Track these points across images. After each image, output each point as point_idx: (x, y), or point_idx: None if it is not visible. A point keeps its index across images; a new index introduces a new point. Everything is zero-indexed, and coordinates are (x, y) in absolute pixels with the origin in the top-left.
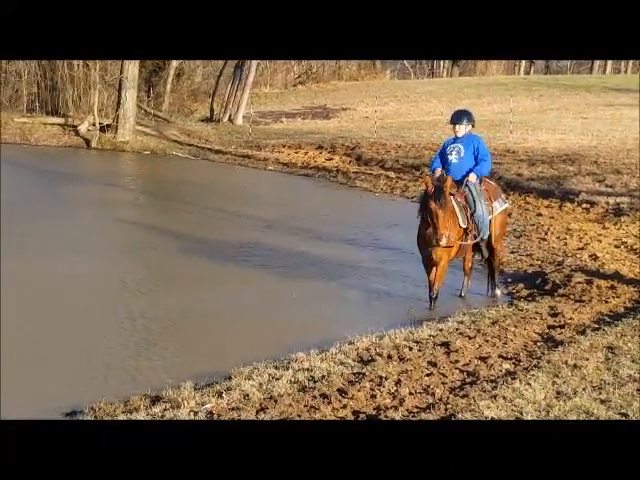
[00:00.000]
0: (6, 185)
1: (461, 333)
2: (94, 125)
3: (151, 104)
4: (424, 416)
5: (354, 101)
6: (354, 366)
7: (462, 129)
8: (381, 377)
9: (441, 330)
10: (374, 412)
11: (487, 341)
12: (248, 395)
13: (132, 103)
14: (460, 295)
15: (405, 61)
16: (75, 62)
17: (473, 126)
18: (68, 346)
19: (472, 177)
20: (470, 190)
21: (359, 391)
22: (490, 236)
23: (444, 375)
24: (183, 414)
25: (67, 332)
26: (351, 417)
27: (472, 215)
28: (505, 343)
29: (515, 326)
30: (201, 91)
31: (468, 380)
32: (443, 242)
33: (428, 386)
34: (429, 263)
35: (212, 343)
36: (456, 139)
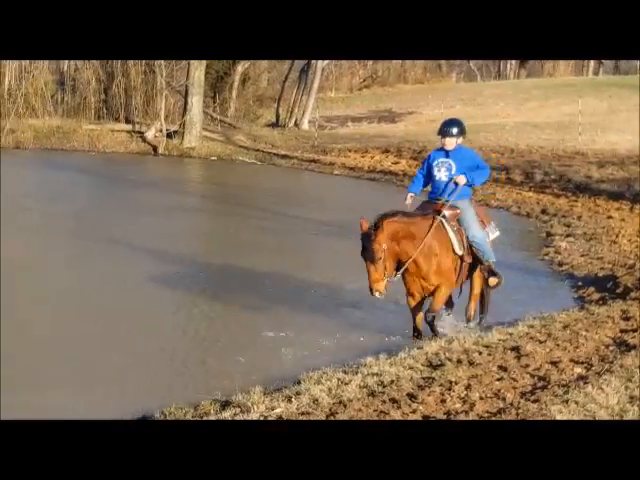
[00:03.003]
0: (76, 192)
1: (532, 337)
2: (161, 131)
3: (217, 110)
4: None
5: (420, 104)
6: (423, 370)
7: (452, 141)
8: (451, 382)
9: (511, 334)
10: (444, 417)
11: (558, 345)
12: (317, 400)
13: (198, 109)
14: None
15: (471, 63)
16: (142, 69)
17: (464, 137)
18: (142, 348)
19: (460, 178)
20: (462, 210)
21: (429, 396)
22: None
23: (515, 380)
24: (253, 419)
25: (138, 334)
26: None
27: (468, 238)
28: (577, 347)
29: (587, 330)
30: (267, 96)
31: (539, 385)
32: (376, 295)
33: (499, 390)
34: (412, 301)
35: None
36: (446, 153)
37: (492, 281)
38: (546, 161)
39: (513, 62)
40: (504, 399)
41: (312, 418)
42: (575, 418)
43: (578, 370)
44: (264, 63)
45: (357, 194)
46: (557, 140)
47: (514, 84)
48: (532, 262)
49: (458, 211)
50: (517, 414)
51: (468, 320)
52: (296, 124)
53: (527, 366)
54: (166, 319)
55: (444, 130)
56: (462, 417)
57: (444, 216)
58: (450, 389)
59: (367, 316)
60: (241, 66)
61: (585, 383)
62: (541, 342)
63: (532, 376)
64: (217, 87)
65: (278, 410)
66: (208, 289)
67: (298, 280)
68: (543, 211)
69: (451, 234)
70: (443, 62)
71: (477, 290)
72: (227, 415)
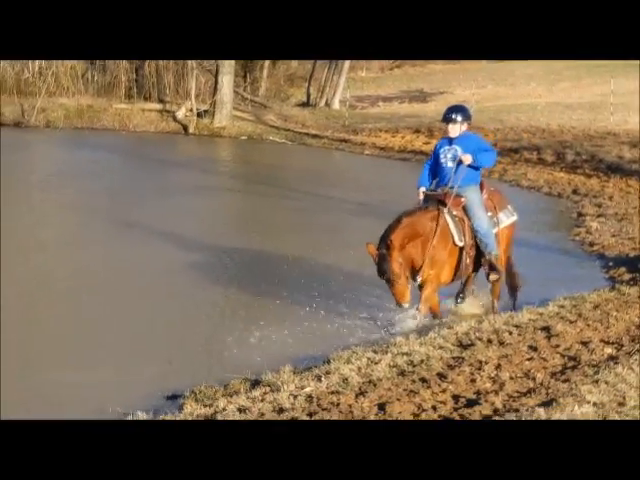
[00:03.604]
0: (106, 171)
1: (562, 317)
2: (191, 111)
3: (248, 89)
4: (525, 401)
5: (451, 84)
6: (453, 350)
7: (457, 128)
8: (481, 361)
9: (541, 314)
10: (474, 396)
11: (588, 325)
12: (347, 379)
13: (229, 88)
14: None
15: None
16: None
17: (469, 123)
18: (171, 328)
19: (466, 157)
20: (468, 197)
21: (459, 375)
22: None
23: (545, 359)
24: (283, 397)
25: (168, 313)
26: (451, 401)
27: (473, 229)
28: (607, 327)
29: (617, 310)
30: (297, 76)
31: (569, 365)
32: (405, 307)
33: (529, 370)
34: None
35: (310, 326)
36: (451, 140)
37: (492, 277)
38: (578, 141)
39: None
40: (534, 379)
41: (341, 397)
42: (605, 398)
43: (608, 350)
44: None
45: (388, 174)
46: (589, 120)
47: (546, 64)
48: (563, 242)
49: (463, 199)
50: (547, 394)
51: (493, 308)
52: (327, 104)
53: (557, 346)
54: (196, 298)
55: (447, 116)
56: (492, 397)
57: (448, 209)
58: (480, 369)
59: None
60: None
61: (615, 363)
62: (571, 322)
63: (562, 356)
64: (248, 66)
65: (308, 389)
66: (238, 268)
67: (329, 259)
68: (574, 191)
69: (451, 225)
70: None
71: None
72: (257, 394)
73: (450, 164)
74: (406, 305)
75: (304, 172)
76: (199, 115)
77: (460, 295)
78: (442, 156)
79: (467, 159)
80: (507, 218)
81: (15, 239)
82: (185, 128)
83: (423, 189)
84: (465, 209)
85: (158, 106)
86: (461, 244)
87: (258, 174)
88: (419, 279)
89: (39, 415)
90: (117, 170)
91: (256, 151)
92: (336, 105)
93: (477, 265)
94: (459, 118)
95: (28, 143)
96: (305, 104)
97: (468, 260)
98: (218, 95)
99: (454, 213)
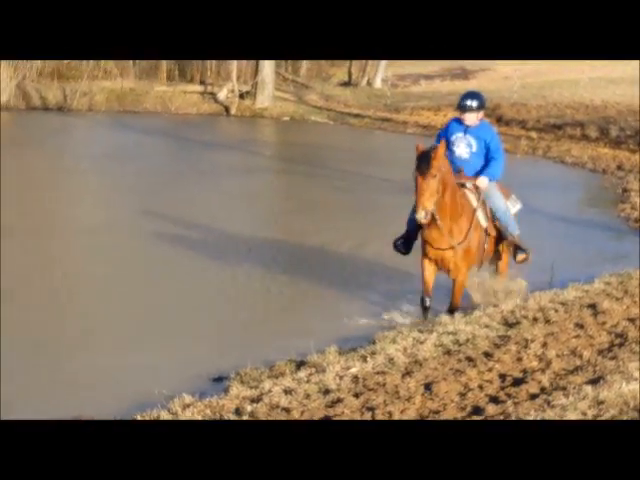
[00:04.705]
0: (151, 153)
1: (608, 294)
2: (233, 92)
3: (289, 69)
4: (572, 379)
5: (493, 61)
6: (499, 329)
7: (473, 117)
8: (527, 340)
9: (587, 291)
10: (521, 375)
11: (635, 302)
12: (393, 359)
13: (270, 69)
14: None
15: None
16: None
17: (484, 110)
18: (217, 309)
19: (482, 182)
20: (482, 182)
21: (505, 354)
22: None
23: (591, 337)
24: (328, 378)
25: (214, 295)
26: (497, 380)
27: (491, 211)
28: None
29: None
30: None
31: (616, 342)
32: (421, 216)
33: (575, 348)
34: (428, 266)
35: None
36: (465, 127)
37: (520, 258)
38: (622, 117)
39: None
40: (581, 356)
41: (387, 377)
42: None
43: None
44: None
45: None
46: (632, 95)
47: None
48: (608, 218)
49: (479, 184)
50: (594, 371)
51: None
52: (369, 83)
53: (604, 323)
54: (241, 280)
55: (463, 104)
56: (538, 375)
57: (469, 189)
58: (526, 347)
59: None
60: None
61: None
62: (618, 299)
63: (609, 333)
64: None
65: (354, 369)
66: (284, 249)
67: (374, 238)
68: (619, 167)
69: (475, 204)
70: None
71: (504, 266)
72: (302, 375)
73: (465, 155)
74: (423, 215)
75: (347, 152)
76: (241, 96)
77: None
78: (455, 144)
79: (483, 184)
80: (514, 207)
81: (61, 221)
82: (227, 109)
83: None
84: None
85: (199, 88)
86: (485, 225)
87: (301, 154)
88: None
89: (85, 397)
90: (160, 152)
91: (299, 131)
92: (378, 84)
93: (495, 252)
94: (475, 105)
95: (71, 126)
96: (347, 84)
97: (487, 245)
98: (259, 76)
99: (475, 194)
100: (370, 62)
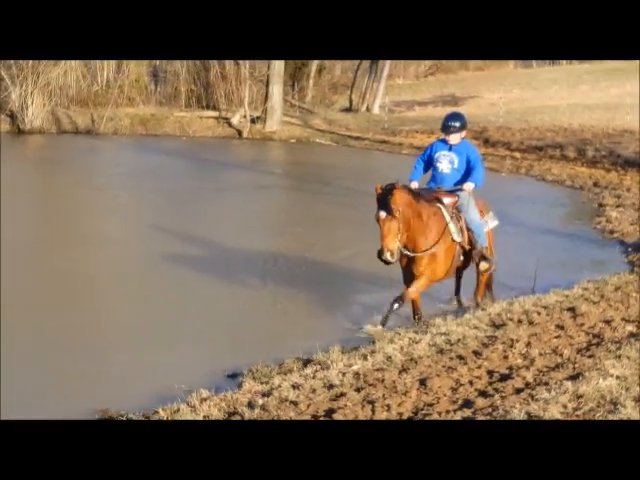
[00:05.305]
0: (171, 172)
1: (586, 299)
2: (245, 117)
3: (296, 97)
4: (553, 375)
5: (481, 89)
6: (487, 330)
7: (457, 136)
8: (512, 339)
9: (567, 296)
10: (507, 371)
11: (610, 306)
12: (391, 357)
13: (279, 96)
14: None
15: None
16: (227, 61)
17: (466, 130)
18: (229, 312)
19: (468, 186)
20: (461, 196)
21: (492, 352)
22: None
23: (571, 337)
24: (332, 375)
25: (226, 298)
26: (486, 376)
27: (466, 223)
28: (628, 307)
29: (637, 292)
30: (340, 84)
31: (594, 341)
32: (387, 257)
33: (557, 347)
34: (406, 278)
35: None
36: (449, 146)
37: (483, 266)
38: (597, 139)
39: None
40: (561, 355)
41: (386, 374)
42: (627, 372)
43: (629, 328)
44: None
45: None
46: (607, 119)
47: (567, 69)
48: (586, 230)
49: (457, 199)
50: (574, 368)
51: (477, 304)
52: (368, 109)
53: (582, 325)
54: (254, 285)
55: (447, 125)
56: (523, 372)
57: (446, 207)
58: (512, 346)
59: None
60: None
61: (636, 340)
62: (595, 303)
63: (587, 334)
64: (296, 76)
65: (355, 367)
66: (292, 258)
67: (374, 248)
68: (595, 184)
69: (449, 221)
70: None
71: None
72: (309, 372)
73: (447, 170)
74: (389, 255)
75: (348, 171)
76: (252, 121)
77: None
78: (439, 160)
79: (469, 187)
80: (492, 222)
81: (86, 233)
82: (239, 133)
83: (415, 184)
84: (458, 207)
85: (214, 113)
86: (459, 240)
87: (307, 173)
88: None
89: (113, 392)
90: (179, 171)
91: (305, 152)
92: (376, 110)
93: (466, 262)
94: (458, 125)
95: (99, 148)
96: (348, 109)
97: (461, 257)
98: (269, 102)
99: (452, 211)
100: (369, 89)
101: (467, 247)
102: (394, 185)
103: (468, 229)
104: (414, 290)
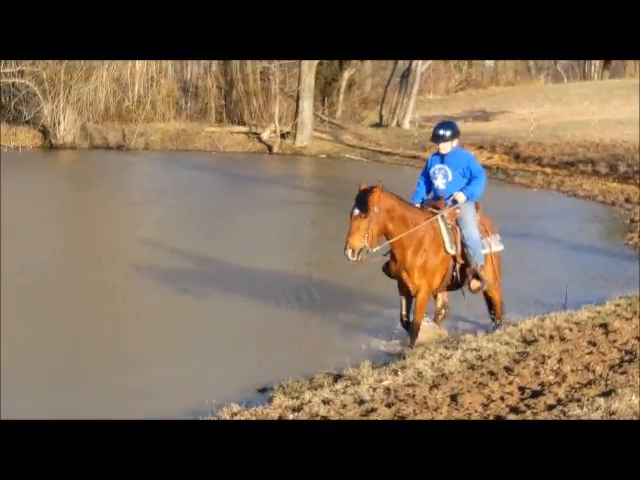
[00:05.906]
0: (201, 187)
1: (618, 315)
2: (275, 132)
3: (326, 112)
4: (585, 391)
5: (511, 104)
6: (518, 346)
7: (447, 145)
8: (544, 356)
9: (599, 312)
10: (539, 388)
11: None
12: (421, 373)
13: (309, 112)
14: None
15: (558, 65)
16: (259, 77)
17: (459, 138)
18: (260, 328)
19: (459, 196)
20: (462, 210)
21: (524, 369)
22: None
23: (603, 353)
24: (363, 390)
25: (257, 313)
26: (517, 392)
27: (462, 237)
28: None
29: None
30: (371, 99)
31: (626, 358)
32: (348, 254)
33: (588, 364)
34: (400, 289)
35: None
36: (441, 157)
37: (474, 284)
38: (629, 154)
39: (597, 63)
40: (594, 371)
41: (417, 389)
42: None
43: None
44: (368, 69)
45: None
46: (639, 134)
47: (598, 84)
48: (618, 246)
49: (458, 211)
50: (606, 385)
51: (498, 322)
52: (398, 124)
53: (615, 341)
54: (281, 298)
55: (436, 135)
56: (555, 388)
57: (442, 215)
58: (543, 362)
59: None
60: (347, 72)
61: None
62: (627, 319)
63: (619, 350)
64: (326, 91)
65: (386, 382)
66: (323, 271)
67: None
68: (627, 200)
69: (444, 231)
70: (532, 64)
71: (498, 295)
72: (339, 387)
73: (442, 186)
74: (350, 253)
75: None
76: (282, 136)
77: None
78: (433, 175)
79: (460, 198)
80: (496, 246)
81: (121, 248)
82: (270, 148)
83: (417, 206)
84: (457, 220)
85: (245, 129)
86: (452, 252)
87: (337, 188)
88: (378, 248)
89: (138, 409)
90: (210, 186)
91: (335, 168)
92: (406, 125)
93: (462, 278)
94: (448, 134)
95: (130, 164)
96: (378, 125)
97: (456, 272)
98: (299, 118)
99: (448, 222)
100: (399, 105)
101: (461, 262)
102: (374, 188)
103: (463, 244)
104: (419, 309)
